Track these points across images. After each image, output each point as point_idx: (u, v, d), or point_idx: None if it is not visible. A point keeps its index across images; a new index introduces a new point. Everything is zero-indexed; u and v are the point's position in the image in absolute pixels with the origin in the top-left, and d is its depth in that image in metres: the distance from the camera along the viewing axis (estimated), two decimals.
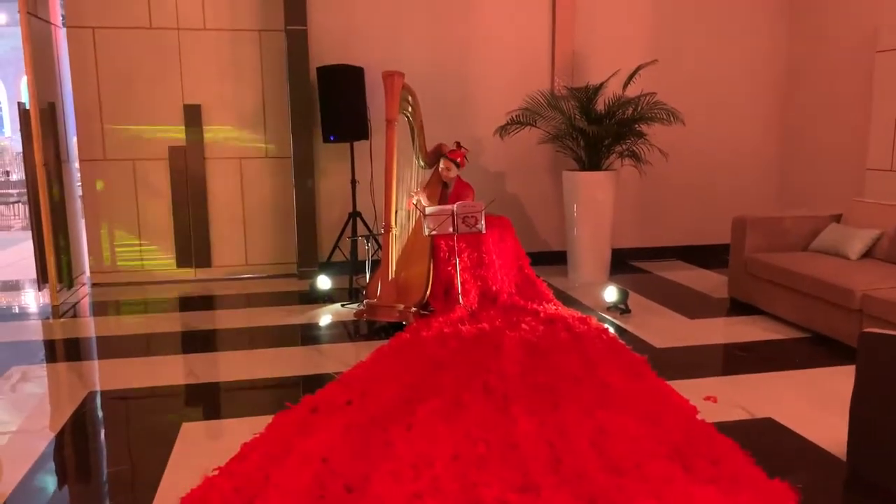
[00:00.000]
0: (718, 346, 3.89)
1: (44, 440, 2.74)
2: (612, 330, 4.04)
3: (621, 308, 4.50)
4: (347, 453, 2.48)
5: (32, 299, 5.09)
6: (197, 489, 2.26)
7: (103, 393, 3.28)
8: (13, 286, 5.49)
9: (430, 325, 3.94)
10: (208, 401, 3.24)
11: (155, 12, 5.28)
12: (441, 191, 4.62)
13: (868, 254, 4.20)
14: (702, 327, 4.24)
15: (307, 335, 4.17)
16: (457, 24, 5.62)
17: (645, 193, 6.13)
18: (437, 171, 4.65)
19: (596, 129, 5.12)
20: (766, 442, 2.67)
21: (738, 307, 4.60)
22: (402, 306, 4.12)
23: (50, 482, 2.44)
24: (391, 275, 4.23)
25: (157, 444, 2.69)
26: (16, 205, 9.38)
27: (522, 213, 5.94)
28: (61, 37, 5.21)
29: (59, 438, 2.77)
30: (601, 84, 5.21)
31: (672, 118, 5.06)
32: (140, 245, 5.54)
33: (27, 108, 4.62)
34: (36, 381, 3.49)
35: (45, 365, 3.74)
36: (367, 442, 2.57)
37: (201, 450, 2.60)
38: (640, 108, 5.14)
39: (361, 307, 4.30)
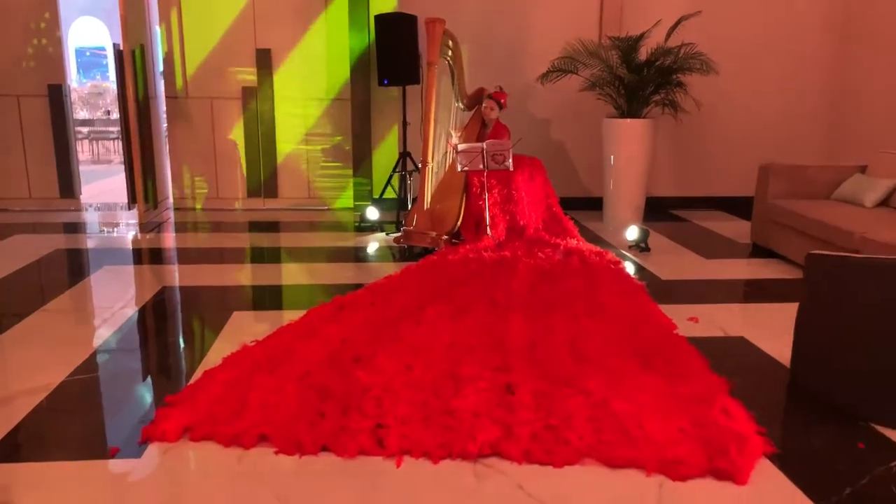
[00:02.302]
0: (721, 281, 4.17)
1: (125, 316, 3.39)
2: (625, 263, 4.37)
3: (641, 246, 4.81)
4: (362, 338, 2.98)
5: (124, 217, 5.85)
6: (235, 353, 2.82)
7: (173, 287, 3.94)
8: (110, 207, 6.28)
9: (457, 250, 4.40)
10: (259, 297, 3.83)
11: None
12: (480, 130, 5.01)
13: (885, 203, 4.34)
14: (713, 266, 4.50)
15: (352, 255, 4.71)
16: None
17: (693, 143, 6.31)
18: (477, 112, 5.04)
19: (635, 77, 5.35)
20: (729, 354, 3.01)
21: (759, 252, 4.81)
22: (434, 234, 4.58)
23: (132, 342, 3.08)
24: (426, 205, 4.69)
25: (212, 324, 3.29)
26: (115, 141, 10.33)
27: (565, 159, 6.25)
28: None
29: (139, 313, 3.42)
30: (642, 34, 5.40)
31: (707, 68, 5.22)
32: (216, 175, 6.21)
33: (121, 49, 5.28)
34: (122, 276, 4.20)
35: (130, 266, 4.45)
36: (380, 331, 3.06)
37: (246, 330, 3.16)
38: (678, 58, 5.32)
39: (399, 234, 4.79)
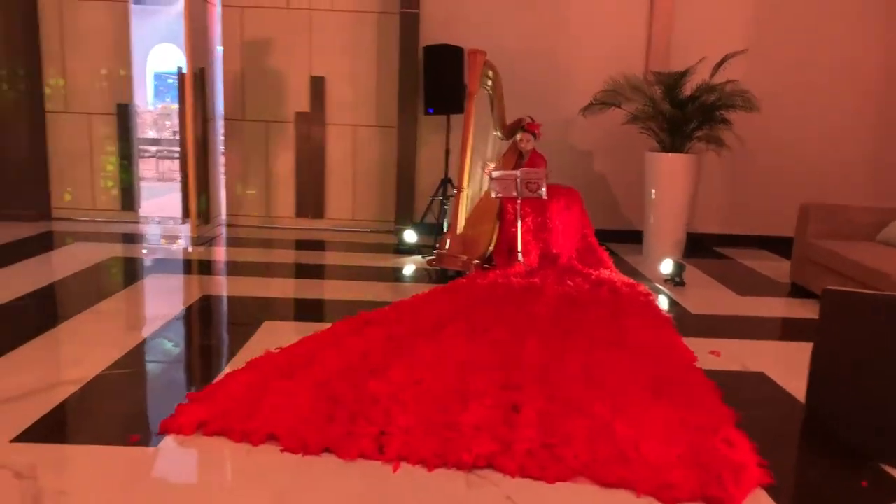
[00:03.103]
0: (751, 318, 4.11)
1: (165, 319, 3.58)
2: (657, 296, 4.37)
3: (675, 280, 4.78)
4: (381, 352, 3.08)
5: (178, 231, 6.15)
6: (260, 357, 2.96)
7: (214, 296, 4.14)
8: (166, 221, 6.61)
9: (486, 275, 4.48)
10: (291, 309, 3.99)
11: None
12: (517, 161, 5.11)
13: None
14: (746, 303, 4.45)
15: (386, 275, 4.84)
16: (554, 8, 6.04)
17: (738, 180, 6.26)
18: (514, 142, 5.15)
19: (678, 112, 5.38)
20: (745, 388, 2.99)
21: (797, 291, 4.72)
22: (465, 258, 4.67)
23: (167, 343, 3.26)
24: (459, 230, 4.80)
25: (243, 331, 3.45)
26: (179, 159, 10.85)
27: (606, 191, 6.28)
28: (215, 13, 6.19)
29: (178, 318, 3.61)
30: (686, 71, 5.44)
31: (750, 105, 5.21)
32: (267, 194, 6.48)
33: (184, 72, 5.62)
34: (168, 284, 4.44)
35: (177, 276, 4.69)
36: (400, 347, 3.16)
37: (274, 338, 3.30)
38: (723, 94, 5.33)
39: (433, 257, 4.90)
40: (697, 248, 6.06)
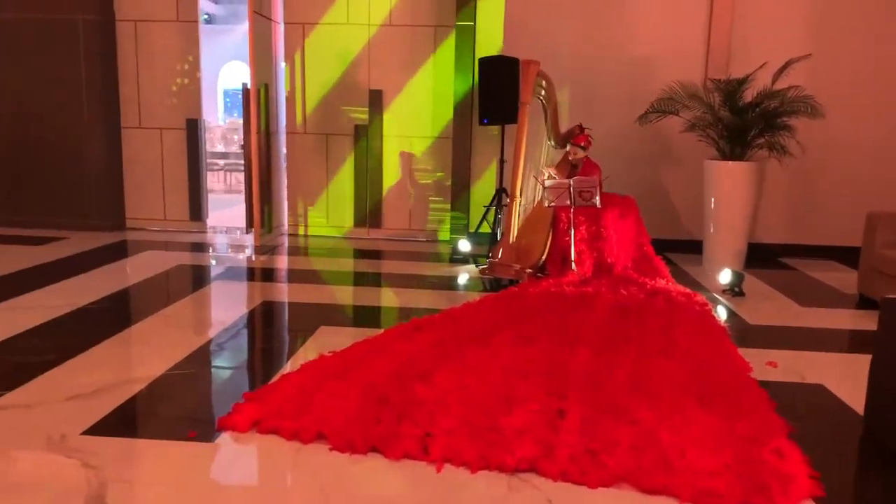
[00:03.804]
0: (813, 329, 3.98)
1: (226, 323, 3.74)
2: (714, 306, 4.28)
3: (735, 290, 4.67)
4: (429, 357, 3.13)
5: (243, 241, 6.39)
6: (313, 360, 3.06)
7: (273, 302, 4.31)
8: (231, 231, 6.87)
9: (539, 284, 4.49)
10: (346, 315, 4.10)
11: (352, 10, 6.32)
12: (570, 170, 5.10)
13: None
14: (809, 314, 4.31)
15: (440, 284, 4.91)
16: (610, 17, 6.02)
17: (803, 189, 6.07)
18: (566, 154, 5.15)
19: (738, 120, 5.27)
20: (802, 400, 2.90)
21: (865, 303, 4.54)
22: (518, 266, 4.69)
23: (226, 345, 3.41)
24: (512, 239, 4.82)
25: (299, 335, 3.58)
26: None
27: (665, 200, 6.19)
28: (278, 31, 6.43)
29: (238, 322, 3.77)
30: (746, 77, 5.33)
31: (814, 112, 5.06)
32: (327, 205, 6.66)
33: (248, 87, 5.85)
34: (231, 290, 4.64)
35: (239, 283, 4.89)
36: (448, 353, 3.20)
37: (328, 343, 3.40)
38: (785, 100, 5.19)
39: (485, 266, 4.94)
40: (760, 258, 5.90)
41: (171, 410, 2.65)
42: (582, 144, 5.01)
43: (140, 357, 3.26)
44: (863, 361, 3.26)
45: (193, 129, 6.61)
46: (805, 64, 5.33)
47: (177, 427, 2.46)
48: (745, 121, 5.29)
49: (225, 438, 2.38)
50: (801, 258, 6.05)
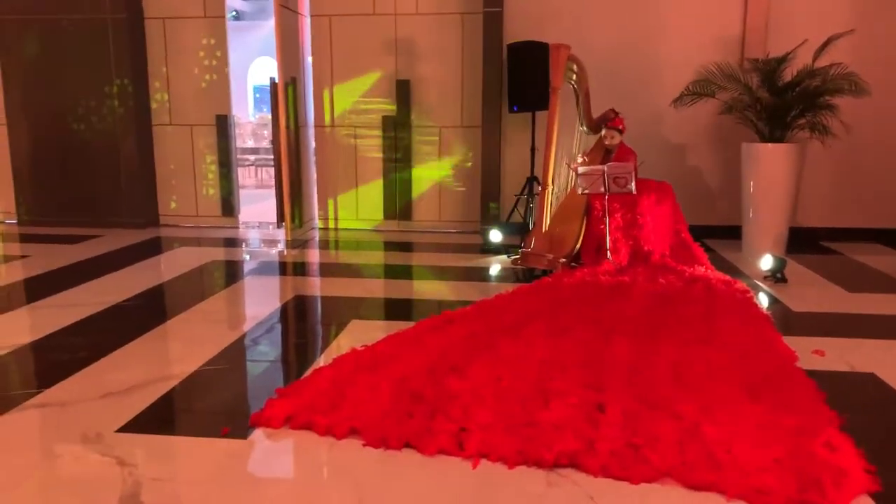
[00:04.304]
0: (861, 316, 3.82)
1: (258, 318, 3.73)
2: (756, 293, 4.15)
3: (777, 277, 4.52)
4: (462, 350, 3.07)
5: (274, 235, 6.40)
6: (345, 354, 3.03)
7: (305, 296, 4.29)
8: (263, 226, 6.89)
9: (573, 273, 4.39)
10: (378, 309, 4.05)
11: (378, 0, 6.26)
12: (604, 156, 4.98)
13: None
14: (856, 300, 4.15)
15: (472, 275, 4.84)
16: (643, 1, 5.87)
17: (847, 170, 5.87)
18: (600, 138, 5.03)
19: (777, 100, 5.10)
20: (853, 390, 2.78)
21: None
22: (551, 256, 4.60)
23: (259, 340, 3.39)
24: (545, 228, 4.73)
25: (331, 329, 3.55)
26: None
27: (701, 185, 6.04)
28: (305, 24, 6.40)
29: (270, 317, 3.75)
30: (785, 56, 5.14)
31: (858, 89, 4.86)
32: (356, 198, 6.63)
33: (276, 82, 5.84)
34: (263, 285, 4.63)
35: (271, 277, 4.88)
36: (481, 345, 3.14)
37: (360, 337, 3.36)
38: (827, 79, 5.00)
39: (518, 256, 4.86)
40: (802, 243, 5.71)
41: (204, 407, 2.64)
42: (619, 128, 4.89)
43: (174, 354, 3.26)
44: None
45: (223, 125, 6.63)
46: (847, 41, 5.12)
47: (211, 424, 2.44)
48: (784, 101, 5.12)
49: (258, 435, 2.35)
50: (844, 242, 5.85)
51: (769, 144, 5.26)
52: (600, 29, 5.89)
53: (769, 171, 5.29)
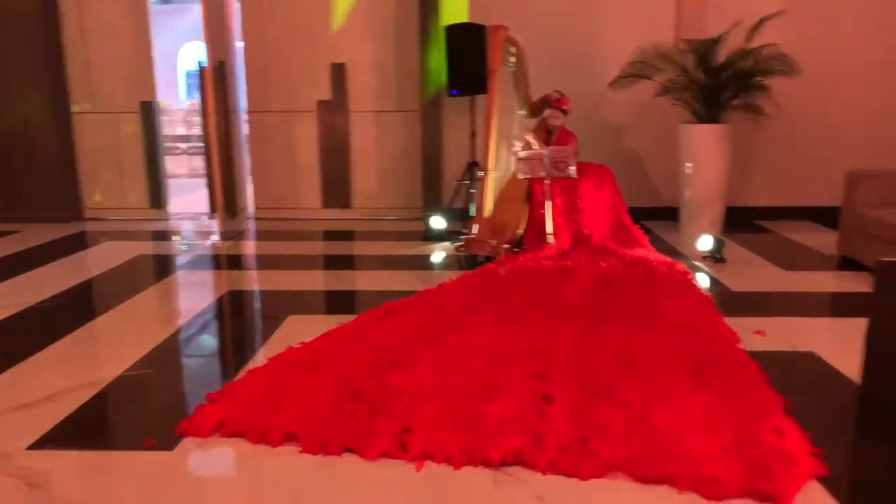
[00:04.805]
0: (797, 294, 3.89)
1: (187, 317, 3.53)
2: (695, 274, 4.17)
3: (715, 257, 4.57)
4: (406, 344, 2.96)
5: (207, 227, 6.13)
6: (281, 353, 2.88)
7: (239, 291, 4.10)
8: (195, 218, 6.60)
9: (516, 259, 4.33)
10: (316, 302, 3.91)
11: None
12: (546, 138, 4.92)
13: None
14: (792, 278, 4.22)
15: (414, 263, 4.73)
16: None
17: (780, 150, 5.96)
18: (543, 120, 4.96)
19: (712, 81, 5.13)
20: (794, 369, 2.80)
21: (847, 264, 4.46)
22: (494, 242, 4.52)
23: (188, 341, 3.20)
24: (487, 213, 4.65)
25: (266, 326, 3.39)
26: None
27: (639, 167, 6.06)
28: (234, 6, 6.11)
29: (200, 315, 3.55)
30: (719, 37, 5.17)
31: (790, 69, 4.93)
32: (294, 185, 6.41)
33: (204, 66, 5.56)
34: (194, 281, 4.41)
35: (203, 272, 4.66)
36: (425, 338, 3.03)
37: (298, 333, 3.20)
38: (759, 59, 5.05)
39: (461, 243, 4.76)
40: (738, 222, 5.80)
41: (128, 417, 2.45)
42: (564, 108, 4.83)
43: (96, 358, 3.04)
44: (851, 325, 3.18)
45: (149, 112, 6.30)
46: (779, 22, 5.18)
47: (134, 435, 2.26)
48: (719, 82, 5.15)
49: (186, 445, 2.19)
50: (778, 220, 5.97)
51: (704, 125, 5.30)
52: (538, 10, 5.81)
53: (705, 151, 5.33)
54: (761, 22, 5.11)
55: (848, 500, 1.87)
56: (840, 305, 3.80)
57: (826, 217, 5.71)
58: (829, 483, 1.93)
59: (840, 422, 2.40)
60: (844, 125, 5.87)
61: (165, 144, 7.56)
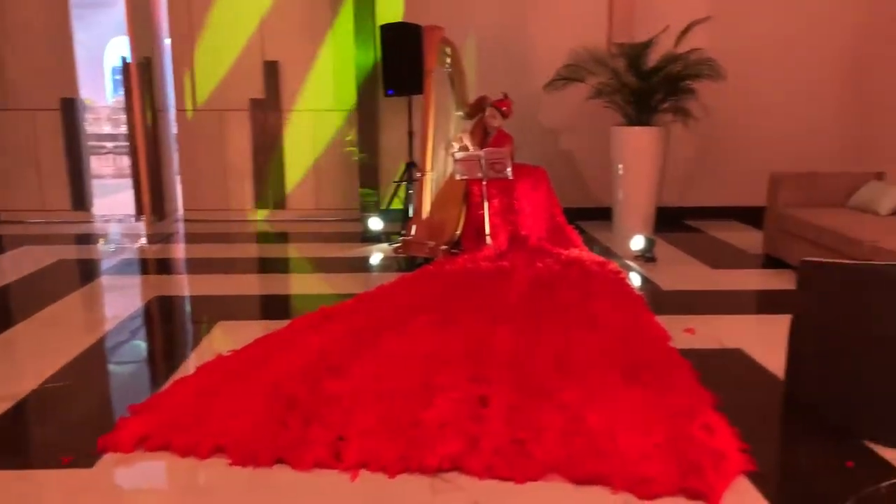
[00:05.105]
0: (725, 292, 4.01)
1: (110, 325, 3.37)
2: (628, 273, 4.24)
3: (647, 256, 4.67)
4: (342, 349, 2.90)
5: (134, 230, 5.88)
6: (209, 362, 2.77)
7: (167, 297, 3.94)
8: (121, 220, 6.33)
9: (455, 260, 4.32)
10: (249, 307, 3.79)
11: None
12: (482, 139, 4.93)
13: None
14: (720, 277, 4.35)
15: (353, 266, 4.66)
16: None
17: (707, 152, 6.15)
18: (480, 120, 4.97)
19: (643, 84, 5.24)
20: (723, 366, 2.87)
21: (771, 262, 4.63)
22: (432, 243, 4.50)
23: (110, 351, 3.06)
24: (425, 214, 4.62)
25: (194, 333, 3.27)
26: None
27: (574, 168, 6.14)
28: (161, 1, 5.90)
29: (124, 323, 3.40)
30: (649, 41, 5.29)
31: (717, 74, 5.09)
32: (226, 187, 6.23)
33: (128, 62, 5.34)
34: (118, 287, 4.21)
35: (128, 277, 4.45)
36: (362, 342, 2.98)
37: (228, 340, 3.12)
38: (687, 64, 5.19)
39: (399, 244, 4.72)
40: (668, 222, 5.95)
41: (44, 432, 2.31)
42: (503, 109, 4.84)
43: (11, 370, 2.85)
44: (776, 322, 3.27)
45: (70, 109, 6.02)
46: (707, 27, 5.34)
47: (50, 452, 2.13)
48: (650, 85, 5.27)
49: (107, 461, 2.08)
50: (706, 220, 6.15)
51: (636, 127, 5.41)
52: (474, 12, 5.82)
53: (636, 153, 5.45)
54: (689, 27, 5.26)
55: (774, 494, 1.92)
56: (765, 303, 3.93)
57: (752, 217, 5.92)
58: (756, 478, 1.98)
59: (767, 417, 2.47)
60: (768, 128, 6.09)
61: (90, 143, 7.26)
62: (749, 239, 5.32)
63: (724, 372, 2.80)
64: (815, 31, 5.95)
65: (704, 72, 5.14)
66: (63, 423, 2.36)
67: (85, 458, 2.09)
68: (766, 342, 3.06)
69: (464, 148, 4.73)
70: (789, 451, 2.20)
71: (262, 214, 6.26)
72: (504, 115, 4.93)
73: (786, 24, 5.94)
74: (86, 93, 6.21)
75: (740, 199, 6.21)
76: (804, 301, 2.52)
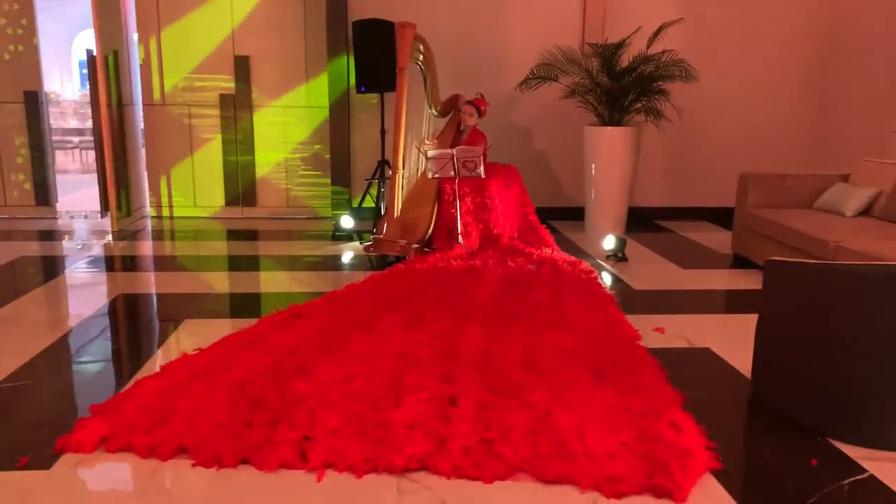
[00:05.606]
0: (695, 292, 4.04)
1: (72, 323, 3.29)
2: (599, 273, 4.26)
3: (618, 256, 4.69)
4: (310, 348, 2.86)
5: (100, 226, 5.76)
6: (174, 361, 2.72)
7: (131, 294, 3.86)
8: (86, 216, 6.19)
9: (426, 259, 4.29)
10: (216, 305, 3.72)
11: None
12: (455, 137, 4.91)
13: (867, 212, 4.22)
14: (689, 276, 4.39)
15: (324, 264, 4.61)
16: None
17: (679, 153, 6.20)
18: (452, 118, 4.95)
19: (615, 85, 5.27)
20: (691, 365, 2.89)
21: (739, 262, 4.69)
22: (403, 242, 4.47)
23: (72, 350, 2.98)
24: (396, 213, 4.59)
25: (159, 332, 3.20)
26: None
27: (547, 168, 6.16)
28: None
29: (87, 321, 3.32)
30: (622, 41, 5.32)
31: (688, 75, 5.14)
32: (194, 183, 6.13)
33: (94, 55, 5.22)
34: (81, 284, 4.12)
35: (92, 274, 4.35)
36: (330, 341, 2.95)
37: (194, 338, 3.06)
38: (659, 65, 5.23)
39: (370, 243, 4.68)
40: (640, 222, 6.00)
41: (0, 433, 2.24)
42: (480, 108, 4.82)
43: None
44: (743, 321, 3.32)
45: (33, 103, 5.87)
46: (678, 28, 5.38)
47: (6, 453, 2.07)
48: (622, 86, 5.30)
49: (65, 462, 2.02)
50: (676, 220, 6.21)
51: (608, 128, 5.44)
52: (445, 9, 5.79)
53: (609, 153, 5.47)
54: (661, 28, 5.29)
55: (740, 492, 1.94)
56: (733, 302, 3.98)
57: (722, 217, 5.99)
58: (722, 476, 1.99)
59: (733, 415, 2.49)
60: (737, 130, 6.17)
61: (56, 138, 7.10)
62: (719, 239, 5.38)
63: (693, 371, 2.82)
64: (784, 35, 6.03)
65: (676, 73, 5.19)
66: (21, 424, 2.30)
67: (42, 459, 2.03)
68: (734, 341, 3.09)
69: (436, 146, 4.71)
70: (755, 448, 2.21)
71: (231, 211, 6.17)
72: (481, 114, 4.91)
73: (757, 26, 6.01)
74: (54, 86, 6.05)
75: (711, 199, 6.28)
76: (769, 300, 2.54)
